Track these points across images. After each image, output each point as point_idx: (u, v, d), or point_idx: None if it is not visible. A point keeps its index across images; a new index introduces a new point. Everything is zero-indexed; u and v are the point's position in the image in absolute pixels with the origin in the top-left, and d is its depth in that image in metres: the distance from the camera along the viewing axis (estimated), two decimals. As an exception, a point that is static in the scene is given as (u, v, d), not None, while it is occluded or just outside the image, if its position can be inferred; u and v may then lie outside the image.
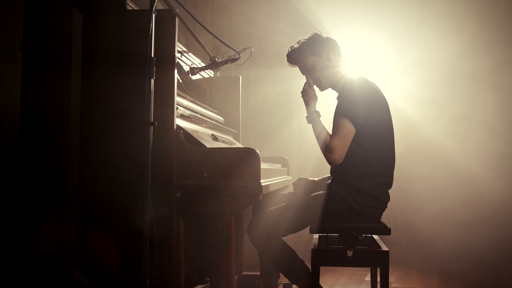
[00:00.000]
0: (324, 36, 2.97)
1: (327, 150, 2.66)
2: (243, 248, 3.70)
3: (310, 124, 2.84)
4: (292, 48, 2.97)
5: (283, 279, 3.27)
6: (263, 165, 2.68)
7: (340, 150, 2.64)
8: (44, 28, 3.64)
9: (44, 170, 3.65)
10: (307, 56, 2.92)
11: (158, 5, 2.21)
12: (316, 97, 2.91)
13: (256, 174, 2.36)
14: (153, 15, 2.13)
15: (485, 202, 5.23)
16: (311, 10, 5.51)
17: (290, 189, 3.21)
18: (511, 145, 5.25)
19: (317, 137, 2.77)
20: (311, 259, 2.60)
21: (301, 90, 2.92)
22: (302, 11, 5.67)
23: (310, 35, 2.96)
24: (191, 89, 3.27)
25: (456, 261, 4.87)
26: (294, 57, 2.97)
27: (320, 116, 2.84)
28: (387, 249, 2.61)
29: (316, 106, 2.89)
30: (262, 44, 5.76)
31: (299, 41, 2.96)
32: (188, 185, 2.38)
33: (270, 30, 5.83)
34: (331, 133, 2.73)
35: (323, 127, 2.78)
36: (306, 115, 2.87)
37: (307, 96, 2.89)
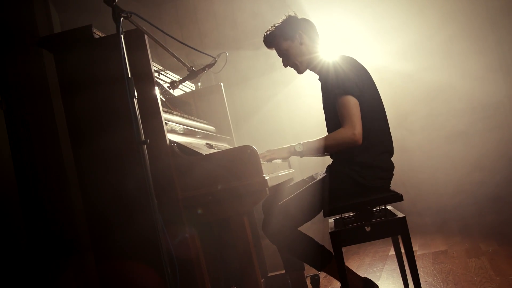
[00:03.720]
0: (300, 17, 2.93)
1: (348, 131, 2.56)
2: (263, 252, 3.67)
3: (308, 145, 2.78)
4: (267, 32, 2.95)
5: (309, 271, 3.25)
6: (263, 162, 2.67)
7: (359, 124, 2.57)
8: (19, 78, 3.63)
9: (50, 221, 3.64)
10: (279, 40, 2.89)
11: (127, 25, 2.21)
12: (278, 149, 2.84)
13: (257, 169, 2.35)
14: (122, 37, 2.12)
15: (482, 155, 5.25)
16: None
17: (295, 181, 3.19)
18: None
19: (327, 146, 2.67)
20: (331, 242, 2.57)
21: (264, 157, 2.83)
22: None
23: (284, 18, 2.92)
24: (176, 106, 3.26)
25: (475, 217, 4.86)
26: (269, 41, 2.95)
27: (301, 142, 2.78)
28: (404, 215, 2.60)
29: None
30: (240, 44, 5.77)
31: (273, 25, 2.93)
32: (194, 195, 2.36)
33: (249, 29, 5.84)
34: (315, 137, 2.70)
35: (313, 140, 2.73)
36: (299, 154, 2.80)
37: (273, 155, 2.82)
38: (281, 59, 2.96)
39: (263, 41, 2.97)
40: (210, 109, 3.80)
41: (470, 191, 5.21)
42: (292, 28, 2.87)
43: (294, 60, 2.89)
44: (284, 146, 2.84)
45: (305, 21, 2.93)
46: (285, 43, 2.88)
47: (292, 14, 2.93)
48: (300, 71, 2.93)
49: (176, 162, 2.37)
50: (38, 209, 3.58)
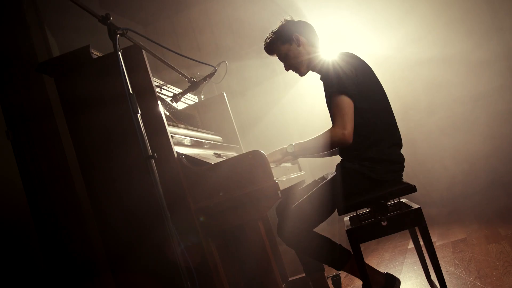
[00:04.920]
0: (297, 20, 2.95)
1: (338, 131, 2.57)
2: (282, 257, 3.65)
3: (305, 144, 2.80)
4: (266, 40, 2.96)
5: (329, 272, 3.23)
6: (273, 165, 2.66)
7: (350, 124, 2.58)
8: (23, 107, 3.65)
9: (66, 245, 3.64)
10: (278, 45, 2.91)
11: (125, 43, 2.21)
12: (270, 153, 2.86)
13: (267, 173, 2.33)
14: (120, 54, 2.12)
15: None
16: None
17: (307, 183, 3.18)
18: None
19: (318, 145, 2.68)
20: (348, 240, 2.56)
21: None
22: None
23: (280, 23, 2.94)
24: (181, 119, 3.26)
25: (490, 203, 4.82)
26: (269, 48, 2.97)
27: (292, 143, 2.81)
28: (419, 206, 2.58)
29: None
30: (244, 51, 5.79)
31: (272, 31, 2.95)
32: (206, 206, 2.35)
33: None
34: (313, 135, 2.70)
35: (305, 141, 2.77)
36: (292, 155, 2.83)
37: (272, 158, 2.85)
38: (282, 63, 2.98)
39: (264, 49, 2.99)
40: (215, 120, 3.80)
41: (482, 177, 5.19)
42: (288, 31, 2.89)
43: (294, 62, 2.90)
44: (277, 149, 2.86)
45: (302, 23, 2.94)
46: (283, 47, 2.89)
47: (288, 18, 2.95)
48: (301, 73, 2.93)
49: (186, 174, 2.37)
50: (53, 234, 3.59)
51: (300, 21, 2.95)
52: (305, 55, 2.88)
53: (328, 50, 2.91)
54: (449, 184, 5.31)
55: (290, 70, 2.97)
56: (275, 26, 2.95)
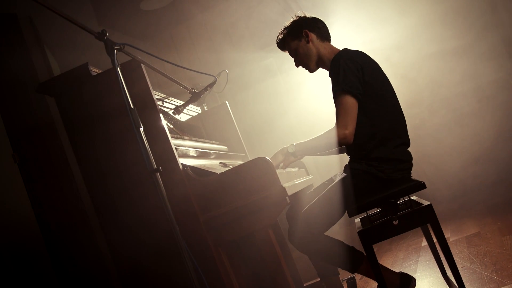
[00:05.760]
0: (309, 16, 2.94)
1: (339, 131, 2.56)
2: (295, 263, 3.62)
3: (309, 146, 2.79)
4: (279, 35, 2.96)
5: (344, 275, 3.21)
6: (280, 171, 2.64)
7: (352, 124, 2.57)
8: (27, 129, 3.65)
9: (79, 267, 3.64)
10: (288, 41, 2.91)
11: (124, 58, 2.21)
12: (272, 156, 2.85)
13: (274, 179, 2.31)
14: (118, 69, 2.11)
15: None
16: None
17: (315, 187, 3.16)
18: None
19: (320, 145, 2.70)
20: (360, 241, 2.54)
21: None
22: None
23: (292, 19, 2.94)
24: (186, 130, 3.26)
25: (502, 195, 4.78)
26: (280, 44, 2.97)
27: (293, 143, 2.79)
28: (429, 203, 2.55)
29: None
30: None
31: (284, 27, 2.95)
32: (215, 216, 2.33)
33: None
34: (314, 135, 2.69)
35: (306, 140, 2.76)
36: (293, 155, 2.82)
37: (275, 161, 2.83)
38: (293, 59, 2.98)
39: (277, 45, 3.00)
40: (220, 129, 3.79)
41: (491, 169, 5.15)
42: (299, 27, 2.88)
43: (303, 58, 2.89)
44: (278, 150, 2.85)
45: (313, 19, 2.93)
46: (293, 43, 2.89)
47: (300, 14, 2.95)
48: (311, 70, 2.93)
49: (192, 185, 2.35)
50: (65, 256, 3.57)
51: (312, 17, 2.94)
52: (315, 52, 2.87)
53: (338, 46, 2.89)
54: (458, 178, 5.27)
55: (300, 67, 2.97)
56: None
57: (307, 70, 2.95)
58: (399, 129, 2.75)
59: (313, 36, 2.87)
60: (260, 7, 5.73)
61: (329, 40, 2.92)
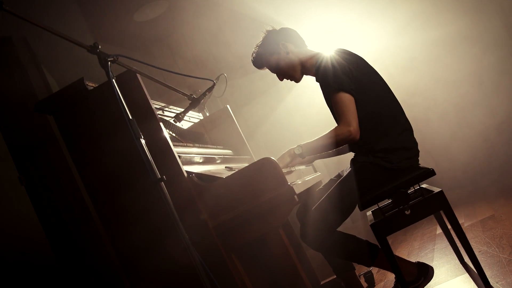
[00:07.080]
0: (279, 28, 2.93)
1: (344, 129, 2.53)
2: (310, 262, 3.59)
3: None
4: (253, 55, 2.94)
5: (360, 270, 3.17)
6: (287, 170, 2.62)
7: (354, 120, 2.54)
8: (29, 142, 3.65)
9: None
10: (267, 58, 2.89)
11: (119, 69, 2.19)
12: (279, 158, 2.80)
13: (281, 178, 2.29)
14: (114, 81, 2.09)
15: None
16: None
17: (324, 183, 3.13)
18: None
19: (326, 144, 2.64)
20: (374, 234, 2.50)
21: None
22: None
23: (263, 36, 2.92)
24: (189, 138, 3.23)
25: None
26: (258, 62, 2.95)
27: (300, 144, 2.75)
28: (440, 189, 2.52)
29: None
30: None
31: (256, 45, 2.93)
32: (224, 221, 2.31)
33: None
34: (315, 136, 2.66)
35: (312, 141, 2.71)
36: (300, 156, 2.77)
37: (282, 163, 2.78)
38: (275, 75, 2.94)
39: (253, 64, 2.97)
40: (223, 133, 3.77)
41: (500, 151, 5.10)
42: (274, 42, 2.87)
43: (287, 70, 2.87)
44: (285, 152, 2.81)
45: (284, 30, 2.93)
46: (272, 58, 2.87)
47: (269, 28, 2.94)
48: (297, 80, 2.92)
49: (198, 192, 2.33)
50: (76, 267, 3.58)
51: (282, 29, 2.93)
52: (296, 61, 2.85)
53: (320, 49, 2.87)
54: (468, 162, 5.22)
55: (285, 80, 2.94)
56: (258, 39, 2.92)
57: (293, 81, 2.93)
58: (397, 116, 2.72)
59: (290, 46, 2.85)
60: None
61: (305, 45, 2.91)
